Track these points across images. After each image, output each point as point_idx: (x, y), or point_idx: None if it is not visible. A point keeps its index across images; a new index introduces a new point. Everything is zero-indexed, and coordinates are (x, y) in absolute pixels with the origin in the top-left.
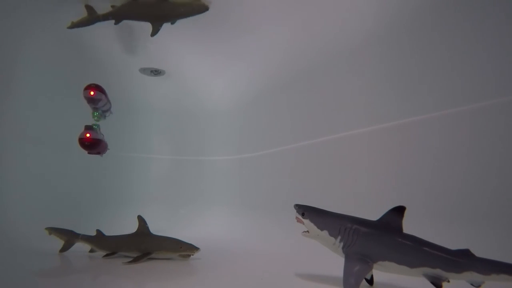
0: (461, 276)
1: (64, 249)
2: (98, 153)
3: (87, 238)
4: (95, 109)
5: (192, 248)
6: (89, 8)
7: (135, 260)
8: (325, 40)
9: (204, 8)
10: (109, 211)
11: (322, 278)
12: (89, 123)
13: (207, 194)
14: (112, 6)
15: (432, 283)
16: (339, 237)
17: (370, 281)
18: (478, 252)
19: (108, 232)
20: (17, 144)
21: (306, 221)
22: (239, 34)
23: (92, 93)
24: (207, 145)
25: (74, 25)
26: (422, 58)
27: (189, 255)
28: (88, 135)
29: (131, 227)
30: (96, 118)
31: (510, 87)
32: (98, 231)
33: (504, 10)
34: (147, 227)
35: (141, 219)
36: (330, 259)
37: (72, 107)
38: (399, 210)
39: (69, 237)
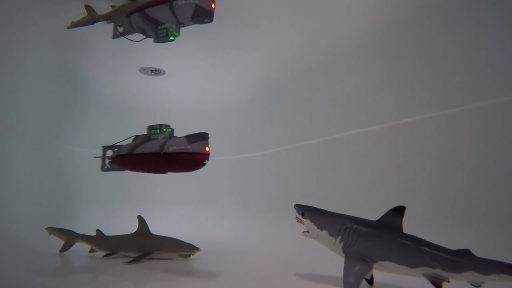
0: (461, 276)
1: (64, 249)
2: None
3: (87, 238)
4: (179, 25)
5: (192, 248)
6: (89, 8)
7: (135, 260)
8: (325, 41)
9: None
10: (109, 211)
11: (322, 278)
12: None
13: (207, 194)
14: (112, 6)
15: (432, 283)
16: (339, 237)
17: (370, 281)
18: (478, 252)
19: (108, 232)
20: (17, 144)
21: (306, 221)
22: (239, 35)
23: (213, 6)
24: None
25: (74, 25)
26: (422, 58)
27: (189, 255)
28: (207, 148)
29: (131, 227)
30: (173, 38)
31: (509, 87)
32: (98, 231)
33: (504, 10)
34: (147, 227)
35: (141, 219)
36: (330, 259)
37: (72, 107)
38: (399, 210)
39: (69, 237)
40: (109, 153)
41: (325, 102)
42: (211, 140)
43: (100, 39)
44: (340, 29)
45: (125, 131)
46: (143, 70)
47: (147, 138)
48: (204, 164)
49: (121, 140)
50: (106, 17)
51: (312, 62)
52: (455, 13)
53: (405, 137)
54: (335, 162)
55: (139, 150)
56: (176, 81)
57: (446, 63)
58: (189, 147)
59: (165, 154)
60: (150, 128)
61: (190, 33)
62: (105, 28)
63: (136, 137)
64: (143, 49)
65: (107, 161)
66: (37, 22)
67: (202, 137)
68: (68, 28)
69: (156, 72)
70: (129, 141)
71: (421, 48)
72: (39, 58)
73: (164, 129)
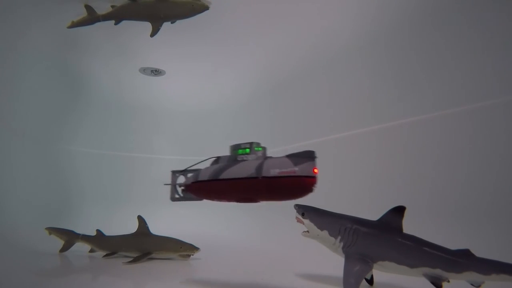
0: (461, 276)
1: (64, 249)
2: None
3: (87, 238)
4: None
5: (192, 248)
6: (89, 8)
7: (135, 260)
8: (326, 41)
9: (204, 8)
10: (109, 211)
11: (322, 278)
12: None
13: None
14: (112, 6)
15: (432, 283)
16: (339, 237)
17: (370, 281)
18: (478, 252)
19: (108, 232)
20: (17, 143)
21: (306, 221)
22: (239, 34)
23: None
24: (207, 144)
25: (74, 25)
26: (424, 58)
27: (189, 255)
28: (316, 170)
29: (131, 227)
30: None
31: (511, 87)
32: (98, 231)
33: (505, 10)
34: (147, 227)
35: (141, 219)
36: (330, 259)
37: (73, 107)
38: (399, 210)
39: (69, 237)
40: (181, 179)
41: (326, 101)
42: (212, 140)
43: (100, 39)
44: (343, 29)
45: (125, 131)
46: (143, 70)
47: (233, 159)
48: (312, 191)
49: (194, 163)
50: (106, 17)
51: (312, 62)
52: (457, 13)
53: (405, 137)
54: (335, 161)
55: (226, 175)
56: (176, 81)
57: (448, 63)
58: (296, 169)
59: (264, 178)
60: (236, 147)
61: (190, 33)
62: (106, 28)
63: (218, 158)
64: (143, 49)
65: (179, 189)
66: (37, 22)
67: (308, 156)
68: (68, 28)
69: (156, 72)
70: (206, 164)
71: (423, 47)
72: (39, 58)
73: (256, 148)
